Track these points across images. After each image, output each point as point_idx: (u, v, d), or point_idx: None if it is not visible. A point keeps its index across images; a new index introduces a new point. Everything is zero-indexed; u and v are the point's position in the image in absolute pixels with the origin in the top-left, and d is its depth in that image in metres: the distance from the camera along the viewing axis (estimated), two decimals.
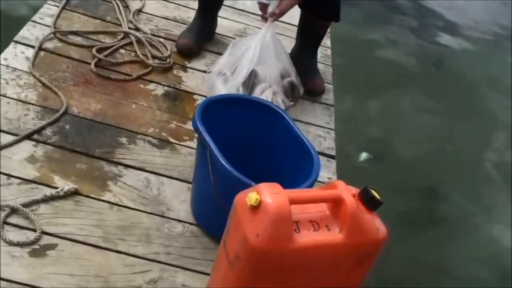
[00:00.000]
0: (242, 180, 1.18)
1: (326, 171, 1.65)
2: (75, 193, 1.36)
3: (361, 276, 1.10)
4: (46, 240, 1.25)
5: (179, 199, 1.45)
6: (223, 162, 1.20)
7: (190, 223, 1.39)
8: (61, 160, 1.44)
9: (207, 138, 1.25)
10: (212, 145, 1.23)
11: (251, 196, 0.97)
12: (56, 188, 1.35)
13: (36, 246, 1.23)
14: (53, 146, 1.46)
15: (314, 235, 1.00)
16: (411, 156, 2.69)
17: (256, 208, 0.96)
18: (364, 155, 2.59)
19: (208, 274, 1.28)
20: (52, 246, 1.24)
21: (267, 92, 1.71)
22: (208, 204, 1.33)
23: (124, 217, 1.35)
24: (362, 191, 1.04)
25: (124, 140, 1.55)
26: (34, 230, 1.25)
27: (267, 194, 0.97)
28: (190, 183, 1.47)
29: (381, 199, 1.02)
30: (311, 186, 1.23)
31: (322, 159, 1.40)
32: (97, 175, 1.43)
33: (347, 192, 1.02)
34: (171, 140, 1.61)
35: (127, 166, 1.48)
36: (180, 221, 1.39)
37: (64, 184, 1.37)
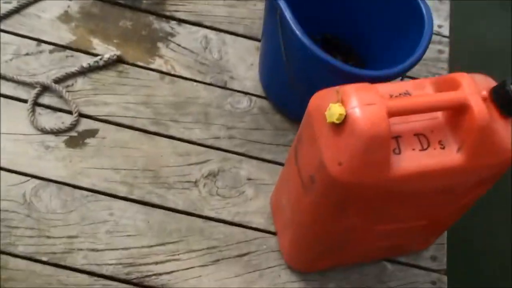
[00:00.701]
0: (325, 60, 0.87)
1: (436, 16, 1.27)
2: (118, 61, 1.11)
3: (473, 199, 0.82)
4: (84, 124, 1.04)
5: (245, 63, 1.16)
6: (299, 34, 0.88)
7: (258, 96, 1.13)
8: (100, 16, 1.16)
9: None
10: (283, 4, 0.90)
11: (332, 109, 0.67)
12: (96, 55, 1.11)
13: (73, 133, 1.03)
14: None
15: (421, 157, 0.71)
16: None
17: (339, 126, 0.68)
18: None
19: (279, 164, 1.05)
20: (93, 133, 1.03)
21: None
22: (279, 79, 1.04)
23: (178, 90, 1.10)
24: (498, 87, 0.71)
25: None
26: (71, 113, 1.04)
27: (356, 105, 0.67)
28: (259, 40, 1.17)
29: None
30: (416, 62, 0.90)
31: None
32: (145, 35, 1.16)
33: (475, 93, 0.70)
34: None
35: (181, 21, 1.19)
36: (246, 93, 1.13)
37: (105, 50, 1.12)
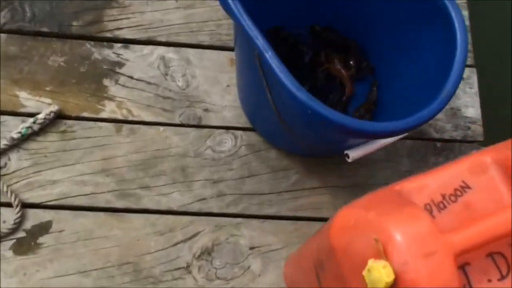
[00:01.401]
0: (330, 119, 0.63)
1: None
2: (58, 117, 0.86)
3: None
4: (32, 218, 0.81)
5: (220, 85, 0.91)
6: (290, 87, 0.63)
7: (244, 128, 0.89)
8: (22, 57, 0.88)
9: (252, 31, 0.65)
10: (263, 45, 0.64)
11: (375, 272, 0.45)
12: (27, 115, 0.85)
13: (20, 234, 0.80)
14: (7, 33, 0.90)
15: None
16: None
17: None
18: None
19: (284, 219, 0.84)
20: (45, 227, 0.81)
21: None
22: (265, 118, 0.80)
23: (142, 143, 0.86)
24: None
25: None
26: (10, 205, 0.81)
27: (409, 259, 0.45)
28: (232, 49, 0.91)
29: None
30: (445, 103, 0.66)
31: None
32: (85, 73, 0.89)
33: None
34: None
35: (127, 41, 0.92)
36: (227, 128, 0.88)
37: (38, 105, 0.86)
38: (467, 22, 0.98)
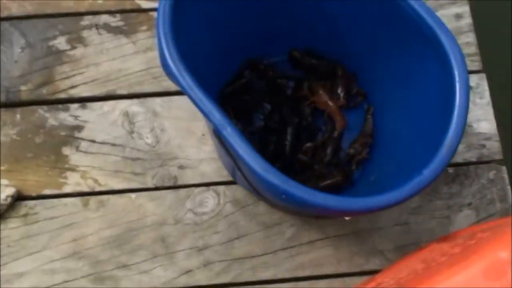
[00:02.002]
0: (308, 202, 0.52)
1: None
2: (17, 199, 0.77)
3: None
4: None
5: (194, 135, 0.80)
6: (257, 169, 0.52)
7: (226, 183, 0.78)
8: None
9: (206, 106, 0.54)
10: (220, 121, 0.54)
11: None
12: None
13: None
14: None
15: None
16: None
17: None
18: None
19: (283, 281, 0.74)
20: None
21: None
22: (241, 180, 0.70)
23: (113, 216, 0.77)
24: None
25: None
26: None
27: None
28: None
29: None
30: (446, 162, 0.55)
31: None
32: (41, 144, 0.79)
33: None
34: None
35: (83, 100, 0.82)
36: (207, 185, 0.78)
37: None
38: (469, 19, 0.85)
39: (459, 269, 0.42)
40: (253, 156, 0.52)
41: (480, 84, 0.83)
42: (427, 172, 0.54)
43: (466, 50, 0.83)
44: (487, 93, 0.82)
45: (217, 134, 0.54)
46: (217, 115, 0.54)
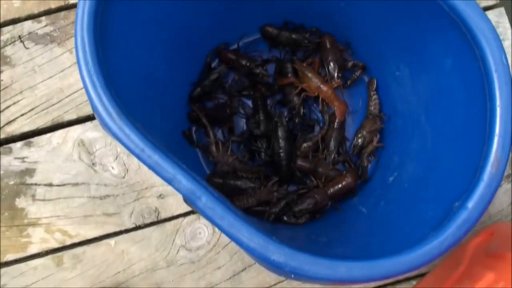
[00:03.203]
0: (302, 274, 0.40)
1: None
2: None
3: None
4: None
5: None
6: (255, 248, 0.40)
7: None
8: None
9: (168, 171, 0.41)
10: (193, 191, 0.40)
11: None
12: None
13: None
14: None
15: None
16: None
17: None
18: None
19: None
20: None
21: None
22: None
23: (95, 269, 0.65)
24: None
25: None
26: None
27: None
28: None
29: None
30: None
31: None
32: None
33: None
34: None
35: (26, 136, 0.67)
36: (196, 212, 0.65)
37: None
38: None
39: None
40: (246, 231, 0.39)
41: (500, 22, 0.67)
42: (472, 205, 0.41)
43: None
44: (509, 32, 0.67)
45: (190, 203, 0.41)
46: (184, 181, 0.40)
